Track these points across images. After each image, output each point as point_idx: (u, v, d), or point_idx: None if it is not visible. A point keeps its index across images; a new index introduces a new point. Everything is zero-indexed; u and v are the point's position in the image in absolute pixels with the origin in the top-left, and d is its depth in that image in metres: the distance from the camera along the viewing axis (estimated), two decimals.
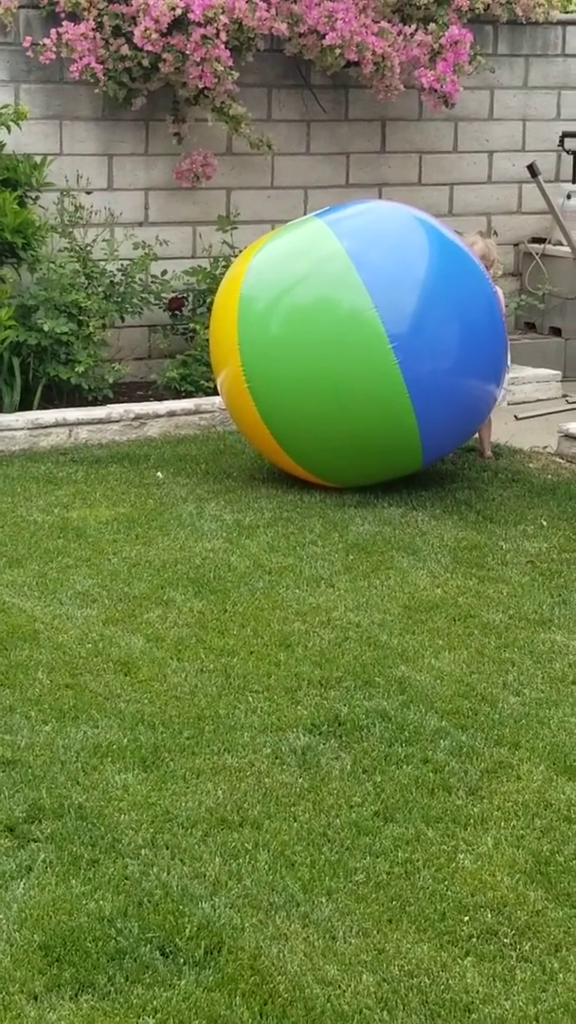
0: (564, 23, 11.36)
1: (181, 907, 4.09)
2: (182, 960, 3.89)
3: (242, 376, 7.69)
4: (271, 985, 3.79)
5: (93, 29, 9.44)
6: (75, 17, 9.49)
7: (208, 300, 9.90)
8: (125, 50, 9.47)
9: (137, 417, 9.12)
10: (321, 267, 7.72)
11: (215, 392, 9.38)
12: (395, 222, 8.14)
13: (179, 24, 9.39)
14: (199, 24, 9.35)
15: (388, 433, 7.62)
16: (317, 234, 7.86)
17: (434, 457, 7.97)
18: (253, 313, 7.74)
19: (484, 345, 7.82)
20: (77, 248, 9.61)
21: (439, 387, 7.59)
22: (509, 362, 8.30)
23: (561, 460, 8.69)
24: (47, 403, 9.21)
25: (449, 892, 4.21)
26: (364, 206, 8.69)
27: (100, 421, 9.03)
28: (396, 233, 7.98)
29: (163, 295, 9.92)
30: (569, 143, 11.27)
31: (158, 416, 9.18)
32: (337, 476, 7.86)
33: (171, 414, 9.21)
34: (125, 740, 5.04)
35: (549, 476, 8.34)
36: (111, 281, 9.63)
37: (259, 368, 7.67)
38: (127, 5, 9.43)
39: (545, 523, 7.46)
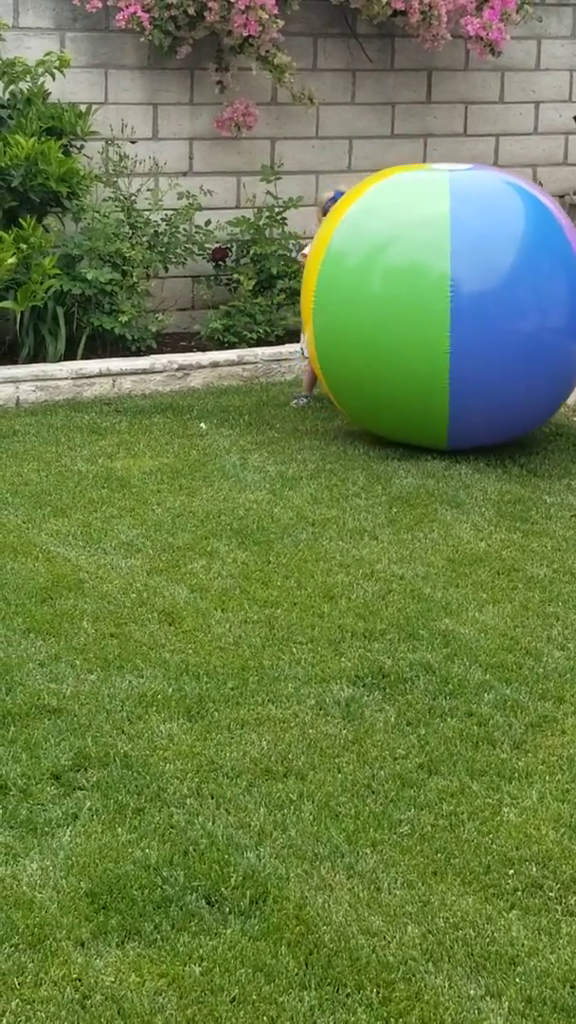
0: None
1: (226, 856, 4.11)
2: (228, 909, 3.91)
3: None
4: (316, 935, 3.81)
5: None
6: None
7: (251, 251, 9.86)
8: None
9: (180, 368, 9.11)
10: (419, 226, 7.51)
11: (258, 343, 9.38)
12: (500, 191, 7.79)
13: None
14: None
15: (420, 402, 7.46)
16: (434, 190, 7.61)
17: (460, 444, 7.66)
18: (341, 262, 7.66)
19: (538, 360, 7.56)
20: (121, 197, 9.58)
21: (480, 386, 7.41)
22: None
23: None
24: (91, 353, 9.21)
25: (494, 845, 4.22)
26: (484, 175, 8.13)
27: (144, 371, 9.02)
28: (501, 205, 7.66)
29: (207, 245, 9.88)
30: None
31: (201, 367, 9.16)
32: (369, 420, 7.84)
33: (214, 365, 9.20)
34: (170, 690, 5.06)
35: None
36: (155, 231, 9.60)
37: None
38: None
39: None
